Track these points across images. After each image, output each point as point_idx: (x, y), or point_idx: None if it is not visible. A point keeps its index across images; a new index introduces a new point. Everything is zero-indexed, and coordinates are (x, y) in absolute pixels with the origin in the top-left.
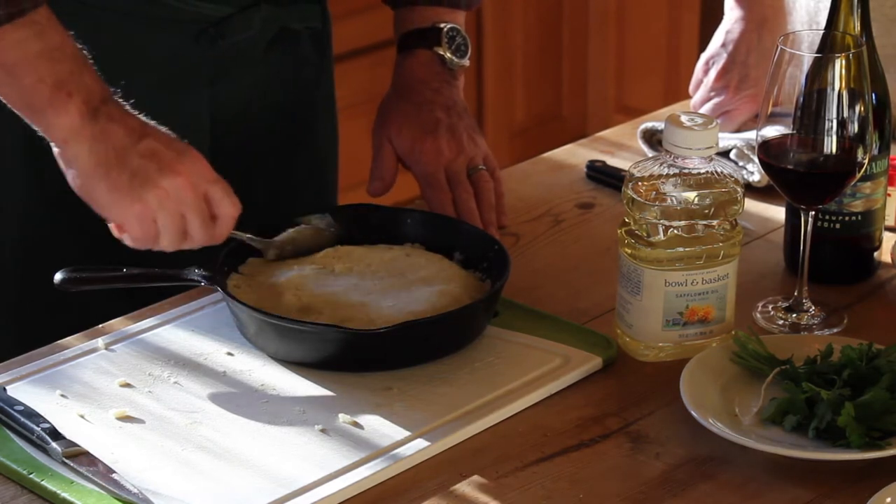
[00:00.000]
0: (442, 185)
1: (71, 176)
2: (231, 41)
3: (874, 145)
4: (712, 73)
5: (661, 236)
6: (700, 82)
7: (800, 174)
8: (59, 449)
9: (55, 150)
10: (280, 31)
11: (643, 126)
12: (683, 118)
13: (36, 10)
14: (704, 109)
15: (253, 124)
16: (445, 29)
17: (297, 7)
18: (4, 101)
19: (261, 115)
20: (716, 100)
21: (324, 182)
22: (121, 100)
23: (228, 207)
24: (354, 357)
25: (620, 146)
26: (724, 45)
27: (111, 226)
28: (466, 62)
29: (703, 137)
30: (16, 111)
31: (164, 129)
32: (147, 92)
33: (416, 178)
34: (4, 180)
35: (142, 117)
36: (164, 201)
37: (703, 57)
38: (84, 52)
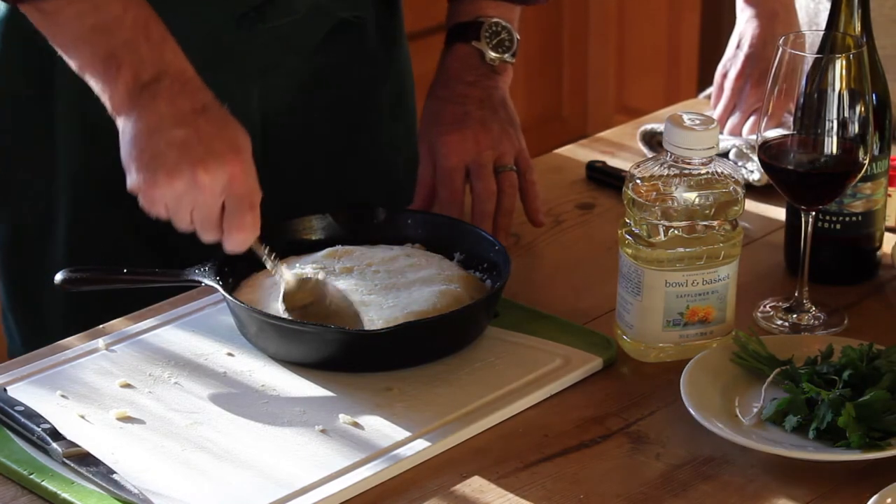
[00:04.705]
0: (455, 184)
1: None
2: (270, 25)
3: (874, 146)
4: (732, 74)
5: (662, 237)
6: (720, 93)
7: (800, 174)
8: (59, 449)
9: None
10: (339, 23)
11: (643, 128)
12: (684, 118)
13: None
14: (733, 119)
15: (307, 120)
16: (487, 23)
17: None
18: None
19: (315, 111)
20: (742, 106)
21: (389, 174)
22: (192, 80)
23: (231, 225)
24: (354, 357)
25: (621, 146)
26: (738, 47)
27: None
28: (509, 58)
29: (704, 138)
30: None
31: (226, 121)
32: None
33: (436, 173)
34: (61, 168)
35: (207, 102)
36: (175, 194)
37: (720, 67)
38: (156, 25)
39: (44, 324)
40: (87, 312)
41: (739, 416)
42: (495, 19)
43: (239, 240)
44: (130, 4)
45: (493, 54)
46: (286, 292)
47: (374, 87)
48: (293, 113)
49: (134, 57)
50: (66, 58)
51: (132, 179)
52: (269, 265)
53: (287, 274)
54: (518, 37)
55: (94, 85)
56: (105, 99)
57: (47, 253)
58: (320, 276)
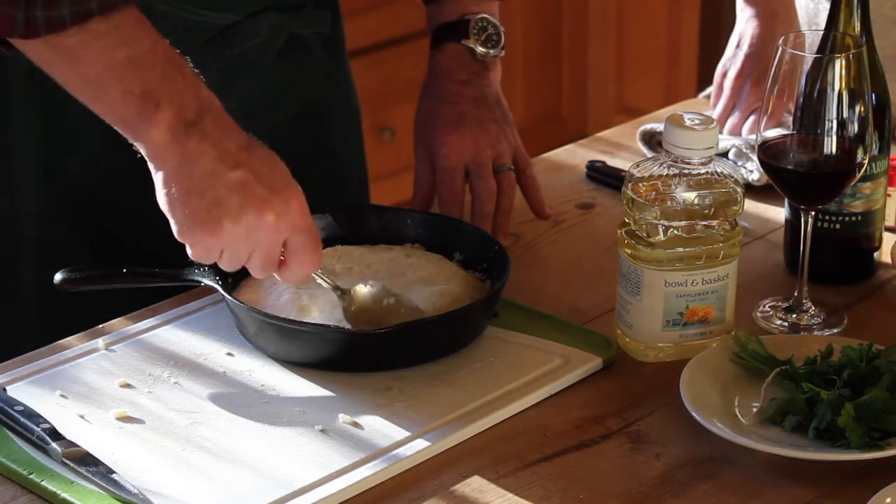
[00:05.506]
0: (455, 184)
1: (157, 188)
2: (238, 49)
3: (874, 146)
4: (732, 73)
5: (661, 237)
6: (720, 93)
7: (800, 174)
8: (59, 449)
9: (149, 162)
10: (289, 39)
11: (642, 128)
12: (684, 118)
13: (124, 11)
14: (732, 119)
15: (264, 133)
16: (474, 20)
17: (305, 13)
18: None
19: (272, 124)
20: (741, 105)
21: (345, 184)
22: (227, 117)
23: (300, 260)
24: (354, 357)
25: (620, 146)
26: (738, 47)
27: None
28: (499, 52)
29: (704, 138)
30: (116, 128)
31: (271, 154)
32: None
33: (436, 174)
34: (20, 180)
35: (247, 137)
36: (238, 238)
37: (720, 66)
38: (184, 58)
39: (16, 335)
40: (86, 312)
41: (739, 415)
42: (480, 15)
43: (303, 274)
44: (158, 38)
45: (483, 50)
46: (354, 311)
47: (327, 97)
48: (252, 128)
49: (172, 93)
50: (81, 98)
51: (180, 232)
52: (325, 285)
53: (340, 288)
54: (503, 30)
55: (123, 127)
56: (138, 142)
57: (18, 267)
58: (373, 283)
